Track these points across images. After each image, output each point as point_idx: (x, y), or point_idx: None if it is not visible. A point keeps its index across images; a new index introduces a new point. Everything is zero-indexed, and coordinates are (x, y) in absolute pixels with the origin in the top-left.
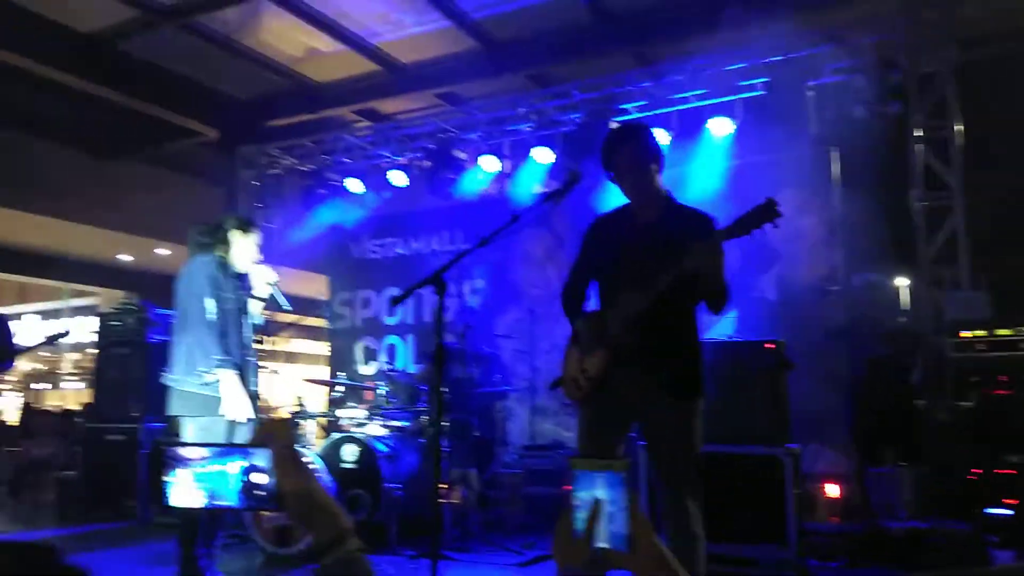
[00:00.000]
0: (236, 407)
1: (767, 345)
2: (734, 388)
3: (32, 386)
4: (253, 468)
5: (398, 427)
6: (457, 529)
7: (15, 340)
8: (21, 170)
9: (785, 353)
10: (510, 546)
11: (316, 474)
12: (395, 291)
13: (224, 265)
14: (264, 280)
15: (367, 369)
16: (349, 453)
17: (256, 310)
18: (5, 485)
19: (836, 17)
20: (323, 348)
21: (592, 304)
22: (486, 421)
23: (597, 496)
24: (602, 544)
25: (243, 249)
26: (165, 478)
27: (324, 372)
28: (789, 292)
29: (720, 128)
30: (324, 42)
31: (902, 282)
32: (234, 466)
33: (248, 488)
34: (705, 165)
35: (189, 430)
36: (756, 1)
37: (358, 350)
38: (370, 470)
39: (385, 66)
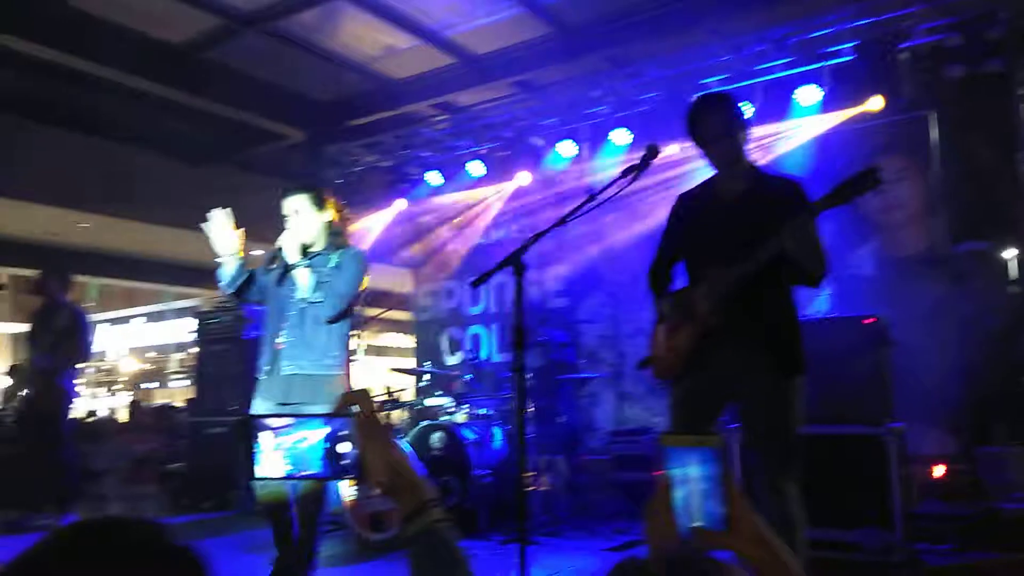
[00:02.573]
0: None
1: (866, 321)
2: (833, 367)
3: (142, 385)
4: (336, 436)
5: (484, 414)
6: (546, 515)
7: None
8: (123, 180)
9: (886, 329)
10: (599, 532)
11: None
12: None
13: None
14: None
15: (453, 359)
16: (437, 440)
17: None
18: (116, 478)
19: None
20: (411, 341)
21: (679, 282)
22: (572, 407)
23: (691, 473)
24: (697, 523)
25: None
26: (253, 446)
27: (412, 364)
28: (888, 265)
29: (807, 97)
30: (400, 38)
31: (1011, 251)
32: (317, 434)
33: (331, 456)
34: (793, 136)
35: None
36: None
37: (443, 340)
38: (458, 457)
39: (460, 58)
